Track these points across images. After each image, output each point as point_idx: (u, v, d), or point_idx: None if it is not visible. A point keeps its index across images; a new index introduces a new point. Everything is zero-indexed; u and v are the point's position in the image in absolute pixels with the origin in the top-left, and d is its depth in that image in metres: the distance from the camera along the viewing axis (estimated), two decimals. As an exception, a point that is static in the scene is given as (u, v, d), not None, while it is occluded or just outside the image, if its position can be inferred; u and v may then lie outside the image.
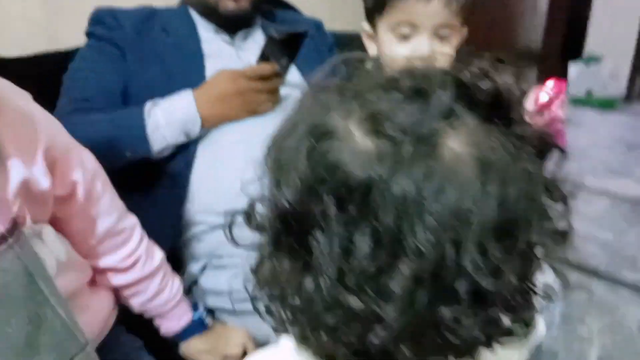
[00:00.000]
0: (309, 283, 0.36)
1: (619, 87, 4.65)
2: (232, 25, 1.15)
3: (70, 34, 1.30)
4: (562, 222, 0.39)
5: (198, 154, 1.01)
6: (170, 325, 0.87)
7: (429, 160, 0.34)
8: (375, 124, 0.35)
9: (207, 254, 1.01)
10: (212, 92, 0.99)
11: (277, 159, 0.40)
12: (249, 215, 0.43)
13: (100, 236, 0.81)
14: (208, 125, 1.00)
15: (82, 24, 1.17)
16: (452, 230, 0.33)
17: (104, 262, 0.82)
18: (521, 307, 0.37)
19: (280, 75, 1.03)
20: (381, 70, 0.41)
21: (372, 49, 0.93)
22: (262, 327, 0.91)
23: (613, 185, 3.01)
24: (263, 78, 1.00)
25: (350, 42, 1.13)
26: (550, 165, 0.43)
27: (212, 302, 0.98)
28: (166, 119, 0.97)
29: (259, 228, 0.42)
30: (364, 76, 0.40)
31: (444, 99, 0.35)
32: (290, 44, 1.03)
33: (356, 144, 0.35)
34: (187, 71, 1.06)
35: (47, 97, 1.14)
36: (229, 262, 0.98)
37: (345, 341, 0.36)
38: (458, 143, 0.35)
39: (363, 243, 0.34)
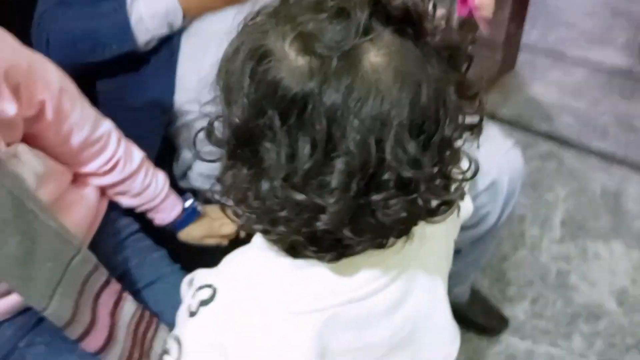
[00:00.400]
0: (264, 186, 0.42)
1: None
2: None
3: None
4: (474, 117, 0.45)
5: (182, 44, 1.03)
6: (162, 217, 0.94)
7: (352, 72, 0.40)
8: (305, 44, 0.41)
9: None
10: None
11: (225, 80, 0.45)
12: (209, 132, 0.48)
13: (76, 148, 0.81)
14: (190, 16, 1.01)
15: None
16: (375, 131, 0.40)
17: (84, 169, 0.85)
18: (441, 190, 0.45)
19: None
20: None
21: None
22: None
23: (593, 54, 3.04)
24: (240, -34, 1.00)
25: None
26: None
27: (205, 184, 1.06)
28: (148, 11, 0.98)
29: (218, 143, 0.47)
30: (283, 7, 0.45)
31: (362, 17, 0.40)
32: None
33: (291, 62, 0.41)
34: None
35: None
36: (220, 150, 1.04)
37: (298, 230, 0.44)
38: (376, 56, 0.40)
39: (304, 148, 0.40)
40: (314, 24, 0.41)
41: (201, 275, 0.53)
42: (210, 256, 0.92)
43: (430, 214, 0.46)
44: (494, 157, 1.02)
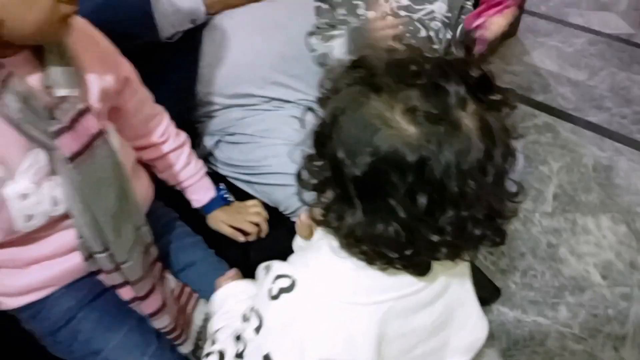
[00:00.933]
0: (380, 228, 0.51)
1: None
2: None
3: None
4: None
5: (204, 38, 1.08)
6: (198, 198, 1.02)
7: (457, 136, 0.49)
8: (414, 115, 0.49)
9: (220, 131, 1.13)
10: None
11: (340, 143, 0.51)
12: (301, 180, 0.56)
13: (144, 118, 0.94)
14: (212, 12, 1.06)
15: None
16: (477, 177, 0.49)
17: (147, 140, 0.96)
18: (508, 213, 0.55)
19: None
20: (395, 63, 0.52)
21: None
22: (271, 195, 1.09)
23: (594, 20, 3.05)
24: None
25: None
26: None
27: (226, 171, 1.13)
28: (172, 7, 1.02)
29: (317, 188, 0.55)
30: (382, 69, 0.52)
31: (458, 92, 0.49)
32: None
33: (404, 132, 0.48)
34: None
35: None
36: (240, 139, 1.10)
37: (384, 253, 0.53)
38: (469, 120, 0.49)
39: (421, 200, 0.49)
40: (414, 99, 0.49)
41: (278, 266, 0.60)
42: (230, 249, 1.01)
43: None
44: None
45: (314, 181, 0.55)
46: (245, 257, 0.97)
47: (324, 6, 0.97)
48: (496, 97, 0.52)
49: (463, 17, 0.99)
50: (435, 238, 0.51)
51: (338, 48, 0.94)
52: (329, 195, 0.54)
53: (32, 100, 0.67)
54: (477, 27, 0.92)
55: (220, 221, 1.02)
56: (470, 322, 0.68)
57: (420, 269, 0.56)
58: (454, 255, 0.54)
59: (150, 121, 0.96)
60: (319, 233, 0.62)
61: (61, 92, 0.70)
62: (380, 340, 0.57)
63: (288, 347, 0.56)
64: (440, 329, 0.64)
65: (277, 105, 1.10)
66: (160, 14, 1.03)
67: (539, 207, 1.80)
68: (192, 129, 1.17)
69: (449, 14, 0.98)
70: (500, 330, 1.42)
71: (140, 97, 0.93)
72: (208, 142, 1.15)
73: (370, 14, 0.90)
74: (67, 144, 0.69)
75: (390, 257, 0.54)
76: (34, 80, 0.70)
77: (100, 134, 0.74)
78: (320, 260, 0.59)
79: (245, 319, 0.61)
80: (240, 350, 0.60)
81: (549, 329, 1.43)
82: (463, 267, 0.66)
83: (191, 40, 1.08)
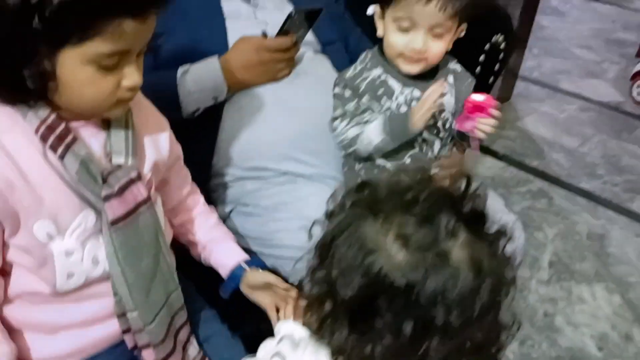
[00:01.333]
0: (368, 349, 0.53)
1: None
2: (248, -17, 1.21)
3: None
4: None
5: (225, 114, 1.13)
6: (225, 261, 0.97)
7: (445, 265, 0.52)
8: (405, 242, 0.52)
9: (234, 200, 1.17)
10: (237, 61, 1.08)
11: (336, 261, 0.54)
12: (302, 289, 0.61)
13: (184, 194, 0.98)
14: (233, 91, 1.11)
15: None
16: (467, 307, 0.51)
17: (182, 217, 0.99)
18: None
19: (297, 44, 1.12)
20: (396, 188, 0.56)
21: (380, 29, 1.02)
22: (282, 268, 1.12)
23: (585, 87, 3.18)
24: (283, 49, 1.10)
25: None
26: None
27: (239, 241, 1.17)
28: (196, 86, 1.07)
29: (317, 299, 0.57)
30: (383, 193, 0.56)
31: (448, 224, 0.52)
32: (308, 17, 1.11)
33: (393, 257, 0.51)
34: (210, 34, 1.13)
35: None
36: (254, 210, 1.14)
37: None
38: (459, 251, 0.52)
39: (407, 326, 0.51)
40: (408, 226, 0.52)
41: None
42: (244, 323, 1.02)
43: None
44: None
45: (314, 291, 0.58)
46: (258, 330, 0.99)
47: (347, 93, 1.03)
48: (488, 230, 0.55)
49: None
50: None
51: (373, 131, 1.00)
52: (327, 307, 0.56)
53: (90, 164, 0.71)
54: (470, 129, 0.98)
55: (258, 285, 0.96)
56: None
57: None
58: None
59: (189, 197, 1.01)
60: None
61: (119, 160, 0.75)
62: None
63: None
64: None
65: (291, 179, 1.14)
66: (185, 92, 1.08)
67: (535, 274, 1.84)
68: (206, 197, 1.20)
69: (455, 106, 1.06)
70: (499, 402, 1.44)
71: (185, 174, 0.98)
72: (221, 210, 1.19)
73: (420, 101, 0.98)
74: (113, 209, 0.73)
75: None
76: (97, 143, 0.75)
77: (146, 201, 0.78)
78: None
79: None
80: None
81: (547, 401, 1.45)
82: None
83: (212, 115, 1.13)
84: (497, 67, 1.43)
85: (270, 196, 1.13)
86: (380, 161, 1.06)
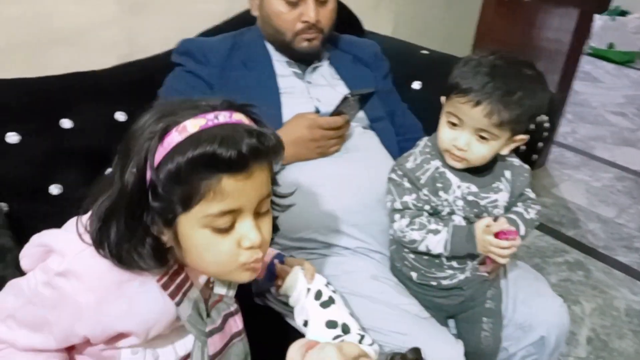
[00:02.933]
0: None
1: (641, 43, 4.64)
2: (303, 60, 1.28)
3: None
4: None
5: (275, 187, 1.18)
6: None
7: None
8: None
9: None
10: (290, 136, 1.13)
11: None
12: None
13: None
14: (284, 164, 1.16)
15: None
16: None
17: None
18: None
19: (349, 122, 1.17)
20: None
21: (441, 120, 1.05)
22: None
23: (620, 155, 3.17)
24: (335, 128, 1.14)
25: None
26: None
27: (280, 308, 1.19)
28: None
29: None
30: None
31: None
32: (361, 98, 1.16)
33: None
34: (267, 109, 1.20)
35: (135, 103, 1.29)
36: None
37: None
38: None
39: None
40: None
41: None
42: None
43: None
44: (544, 314, 1.14)
45: None
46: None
47: (406, 184, 1.04)
48: None
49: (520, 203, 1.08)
50: None
51: (435, 244, 1.02)
52: None
53: (200, 304, 0.74)
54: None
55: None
56: None
57: None
58: None
59: None
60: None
61: (221, 291, 0.77)
62: None
63: None
64: None
65: (336, 251, 1.17)
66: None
67: (572, 350, 1.81)
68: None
69: (510, 200, 1.07)
70: None
71: None
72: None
73: (481, 224, 1.00)
74: (215, 344, 0.75)
75: None
76: (203, 278, 0.77)
77: (240, 333, 0.80)
78: None
79: None
80: None
81: None
82: None
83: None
84: (539, 145, 1.46)
85: (316, 267, 1.16)
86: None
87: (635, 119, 3.69)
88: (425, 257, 1.07)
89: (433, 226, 1.02)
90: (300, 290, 0.89)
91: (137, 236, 0.66)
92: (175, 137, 0.63)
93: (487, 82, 0.93)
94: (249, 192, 0.66)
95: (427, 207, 1.03)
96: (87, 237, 0.68)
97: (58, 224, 1.15)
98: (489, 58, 0.95)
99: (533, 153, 1.45)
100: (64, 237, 0.72)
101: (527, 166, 1.13)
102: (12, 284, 0.76)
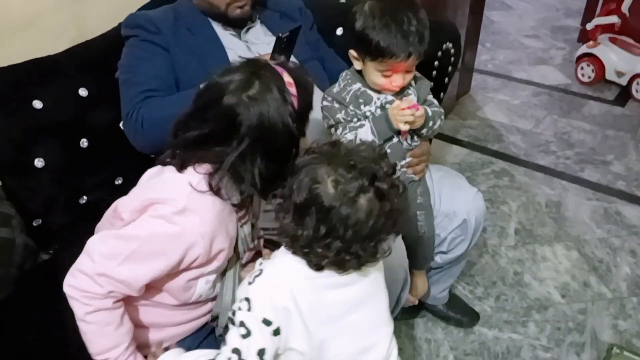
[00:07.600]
0: (298, 232, 0.84)
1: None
2: (238, 24, 1.47)
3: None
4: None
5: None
6: None
7: (354, 203, 0.82)
8: (336, 184, 0.82)
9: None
10: None
11: (297, 180, 0.84)
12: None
13: None
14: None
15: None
16: (357, 228, 0.82)
17: None
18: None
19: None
20: (349, 153, 0.86)
21: (357, 65, 1.27)
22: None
23: (535, 73, 3.48)
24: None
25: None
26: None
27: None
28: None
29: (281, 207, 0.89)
30: (342, 153, 0.86)
31: (363, 182, 0.82)
32: (290, 38, 1.35)
33: (327, 190, 0.82)
34: (217, 63, 1.37)
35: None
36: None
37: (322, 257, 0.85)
38: (364, 200, 0.82)
39: (323, 229, 0.82)
40: (343, 177, 0.82)
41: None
42: None
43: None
44: (464, 202, 1.40)
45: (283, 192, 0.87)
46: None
47: (335, 105, 1.28)
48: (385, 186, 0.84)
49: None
50: (328, 254, 0.84)
51: (365, 134, 1.24)
52: (285, 204, 0.87)
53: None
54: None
55: None
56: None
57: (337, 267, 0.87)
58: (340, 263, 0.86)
59: None
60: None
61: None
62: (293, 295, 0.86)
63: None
64: (356, 307, 0.92)
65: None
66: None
67: (503, 241, 2.12)
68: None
69: (418, 102, 1.32)
70: (482, 348, 1.70)
71: None
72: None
73: (392, 105, 1.23)
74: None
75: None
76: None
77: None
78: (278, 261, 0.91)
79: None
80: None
81: (521, 343, 1.72)
82: (376, 272, 0.96)
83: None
84: (449, 69, 1.70)
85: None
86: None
87: (547, 39, 4.01)
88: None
89: (358, 124, 1.26)
90: None
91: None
92: (292, 90, 0.93)
93: (405, 37, 1.16)
94: None
95: (354, 120, 1.27)
96: (198, 183, 0.92)
97: (47, 195, 1.35)
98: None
99: (444, 77, 1.70)
100: (166, 189, 0.94)
101: (426, 79, 1.37)
102: (116, 235, 0.94)
